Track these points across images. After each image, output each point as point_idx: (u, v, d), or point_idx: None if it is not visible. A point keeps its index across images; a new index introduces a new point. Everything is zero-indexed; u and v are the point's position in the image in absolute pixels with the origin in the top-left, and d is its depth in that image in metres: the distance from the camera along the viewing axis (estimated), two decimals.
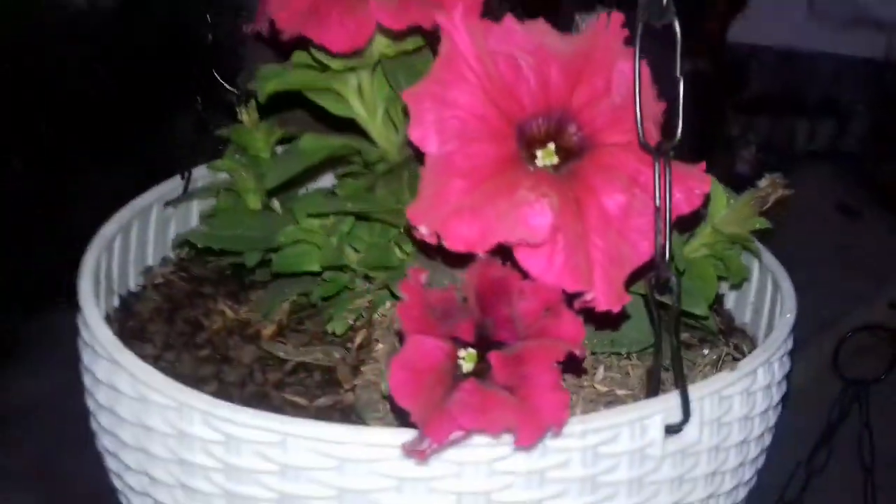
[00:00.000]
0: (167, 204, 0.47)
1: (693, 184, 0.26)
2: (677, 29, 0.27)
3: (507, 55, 0.25)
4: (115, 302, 0.45)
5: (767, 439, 0.34)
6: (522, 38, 0.27)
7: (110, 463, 0.33)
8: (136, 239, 0.47)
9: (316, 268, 0.35)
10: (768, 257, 0.43)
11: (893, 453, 2.92)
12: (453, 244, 0.25)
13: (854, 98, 6.22)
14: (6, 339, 2.59)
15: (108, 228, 0.43)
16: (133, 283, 0.45)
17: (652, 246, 0.24)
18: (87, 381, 0.32)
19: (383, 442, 0.25)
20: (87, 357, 0.31)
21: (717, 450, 0.28)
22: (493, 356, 0.25)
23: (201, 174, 0.46)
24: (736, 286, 0.40)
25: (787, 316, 0.42)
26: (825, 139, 6.51)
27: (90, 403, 0.31)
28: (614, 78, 0.24)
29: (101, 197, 3.32)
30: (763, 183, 0.36)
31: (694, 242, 0.35)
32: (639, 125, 0.25)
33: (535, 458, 0.24)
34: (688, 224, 0.36)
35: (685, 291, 0.33)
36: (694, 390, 0.27)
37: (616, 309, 0.25)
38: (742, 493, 0.34)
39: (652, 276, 0.25)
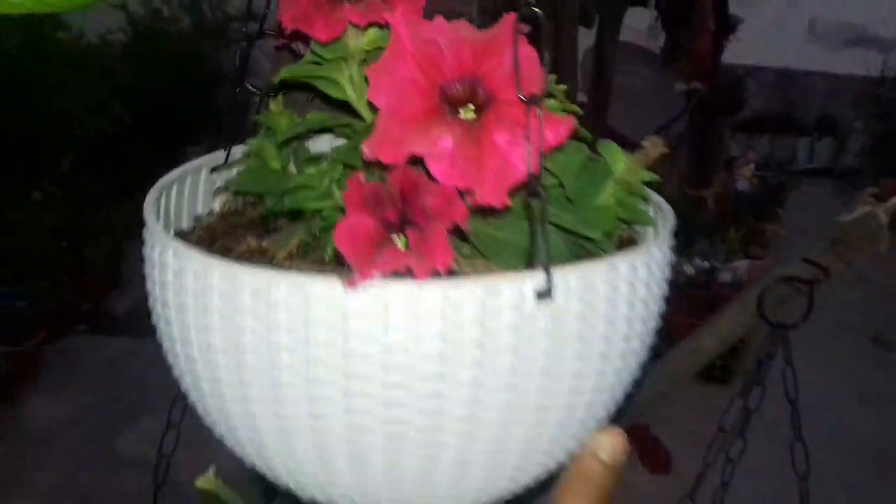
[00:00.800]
0: (213, 170, 0.58)
1: (559, 126, 0.37)
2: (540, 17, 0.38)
3: (433, 40, 0.37)
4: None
5: (636, 330, 0.41)
6: (446, 29, 0.39)
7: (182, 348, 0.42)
8: (188, 191, 0.58)
9: (314, 204, 0.46)
10: (656, 197, 0.53)
11: (812, 386, 2.98)
12: (383, 158, 0.37)
13: (852, 115, 6.31)
14: (30, 363, 2.68)
15: (168, 177, 0.54)
16: (185, 225, 0.57)
17: (525, 167, 0.35)
18: (156, 273, 0.40)
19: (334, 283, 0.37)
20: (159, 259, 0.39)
21: (583, 319, 0.36)
22: (409, 231, 0.38)
23: (239, 149, 0.57)
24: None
25: (648, 230, 0.52)
26: (825, 156, 6.61)
27: (162, 300, 0.39)
28: (507, 55, 0.35)
29: (118, 228, 3.41)
30: (646, 143, 0.46)
31: (604, 192, 0.45)
32: (517, 86, 0.36)
33: (441, 300, 0.34)
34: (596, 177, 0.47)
35: (586, 224, 0.43)
36: (563, 272, 0.36)
37: (498, 205, 0.36)
38: (611, 380, 0.40)
39: (527, 188, 0.36)
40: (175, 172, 0.57)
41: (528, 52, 0.39)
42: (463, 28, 0.41)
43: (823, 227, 3.96)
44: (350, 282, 0.37)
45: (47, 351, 2.83)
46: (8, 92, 3.23)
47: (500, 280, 0.38)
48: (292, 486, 0.46)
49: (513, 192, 0.38)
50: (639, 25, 3.49)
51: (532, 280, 0.37)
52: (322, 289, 0.37)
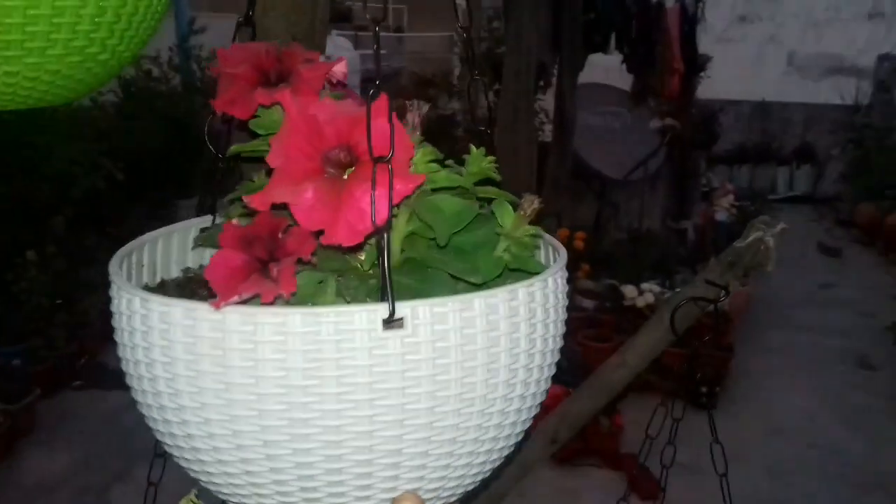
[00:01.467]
0: (202, 231, 0.67)
1: (408, 181, 0.46)
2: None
3: (314, 116, 0.46)
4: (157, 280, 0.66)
5: (500, 359, 0.48)
6: (328, 107, 0.48)
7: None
8: (177, 246, 0.67)
9: None
10: (552, 240, 0.61)
11: (810, 408, 3.01)
12: (253, 206, 0.46)
13: (829, 143, 6.46)
14: (27, 419, 2.74)
15: (152, 234, 0.64)
16: (174, 273, 0.66)
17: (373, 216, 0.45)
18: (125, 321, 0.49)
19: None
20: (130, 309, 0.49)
21: (433, 347, 0.43)
22: (271, 265, 0.47)
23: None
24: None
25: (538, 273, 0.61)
26: (804, 184, 6.74)
27: (131, 342, 0.48)
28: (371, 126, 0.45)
29: (110, 284, 3.47)
30: (523, 200, 0.54)
31: (499, 246, 0.53)
32: (370, 149, 0.45)
33: (301, 323, 0.45)
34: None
35: (470, 270, 0.51)
36: (413, 303, 0.45)
37: (346, 243, 0.45)
38: (479, 408, 0.49)
39: (377, 236, 0.46)
40: (165, 229, 0.67)
41: (382, 123, 0.48)
42: (346, 105, 0.50)
43: (805, 252, 4.04)
44: (215, 304, 0.45)
45: (44, 407, 2.88)
46: (3, 156, 3.34)
47: (354, 309, 0.46)
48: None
49: (369, 237, 0.47)
50: (609, 65, 3.63)
51: (382, 310, 0.45)
52: (200, 311, 0.46)
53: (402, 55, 8.08)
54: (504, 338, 0.49)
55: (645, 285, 3.37)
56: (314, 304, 0.51)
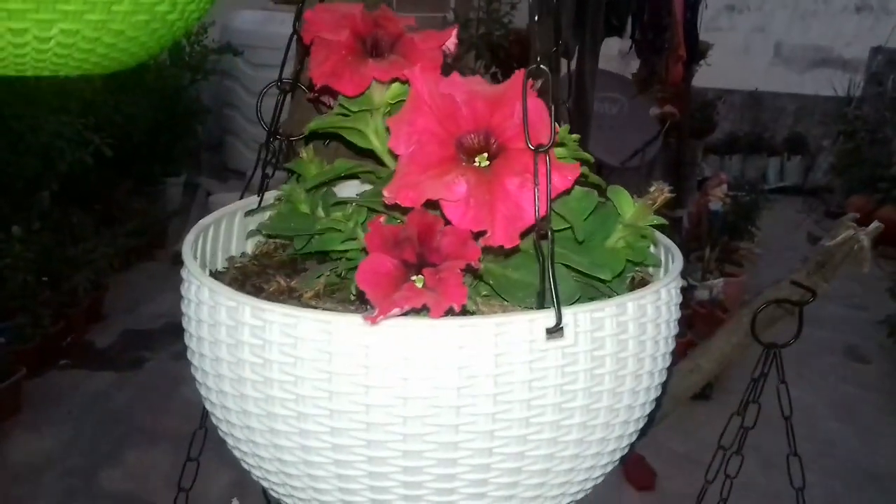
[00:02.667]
0: (247, 213, 0.61)
1: (566, 172, 0.40)
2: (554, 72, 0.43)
3: (449, 95, 0.40)
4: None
5: (646, 368, 0.43)
6: (461, 84, 0.43)
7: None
8: (224, 233, 0.60)
9: (340, 246, 0.48)
10: (665, 240, 0.57)
11: (804, 401, 3.03)
12: (402, 202, 0.40)
13: (820, 134, 6.46)
14: (13, 399, 2.66)
15: (205, 220, 0.57)
16: (220, 265, 0.59)
17: (534, 211, 0.39)
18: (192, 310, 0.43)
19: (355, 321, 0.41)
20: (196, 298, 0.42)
21: (593, 357, 0.38)
22: (426, 271, 0.41)
23: (272, 195, 0.61)
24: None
25: (659, 272, 0.56)
26: (795, 175, 6.75)
27: (195, 334, 0.42)
28: (517, 108, 0.38)
29: (100, 261, 3.39)
30: (651, 189, 0.49)
31: (614, 235, 0.48)
32: (526, 135, 0.39)
33: (456, 330, 0.38)
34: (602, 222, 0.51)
35: (597, 265, 0.46)
36: (572, 309, 0.39)
37: (508, 245, 0.39)
38: (623, 417, 0.43)
39: (537, 229, 0.40)
40: (211, 216, 0.61)
41: (536, 104, 0.42)
42: (477, 83, 0.44)
43: (795, 242, 4.05)
44: (372, 318, 0.40)
45: (30, 386, 2.81)
46: None
47: (512, 318, 0.41)
48: None
49: (523, 235, 0.42)
50: (611, 52, 3.57)
51: (543, 318, 0.41)
52: (344, 325, 0.41)
53: None
54: (633, 342, 0.45)
55: None
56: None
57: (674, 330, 0.50)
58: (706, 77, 4.76)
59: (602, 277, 0.46)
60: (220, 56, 4.93)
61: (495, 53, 3.87)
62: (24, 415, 2.72)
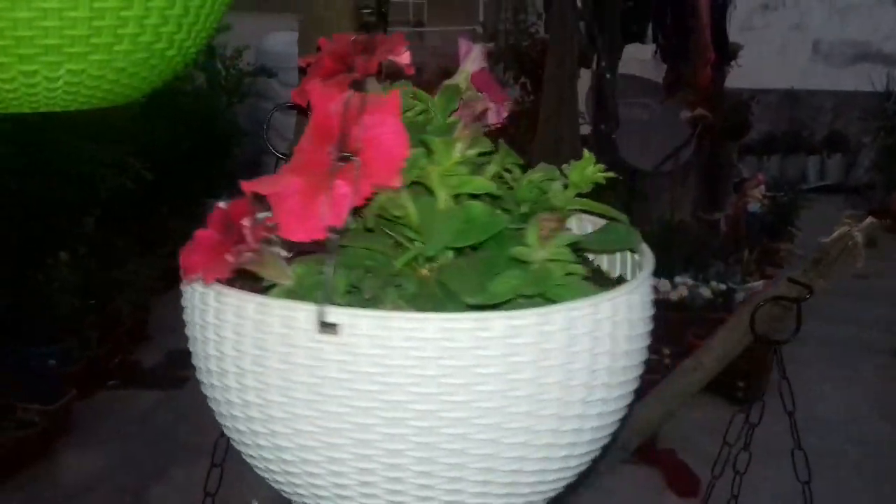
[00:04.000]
0: None
1: (372, 182, 0.44)
2: None
3: (329, 108, 0.45)
4: None
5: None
6: (341, 100, 0.46)
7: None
8: None
9: None
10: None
11: (852, 403, 2.96)
12: (246, 189, 0.46)
13: (860, 131, 6.34)
14: (63, 419, 2.74)
15: None
16: None
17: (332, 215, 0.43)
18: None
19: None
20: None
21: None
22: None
23: None
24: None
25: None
26: (836, 173, 6.63)
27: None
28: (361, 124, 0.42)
29: (143, 283, 3.46)
30: (541, 220, 0.50)
31: (514, 270, 0.50)
32: (344, 145, 0.43)
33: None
34: None
35: (470, 288, 0.49)
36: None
37: (295, 239, 0.44)
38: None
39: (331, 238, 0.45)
40: None
41: (368, 119, 0.45)
42: (372, 98, 0.47)
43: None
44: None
45: (79, 407, 2.89)
46: (32, 157, 3.35)
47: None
48: None
49: (320, 232, 0.45)
50: (642, 56, 3.57)
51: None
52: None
53: (424, 50, 8.05)
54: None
55: (678, 279, 3.33)
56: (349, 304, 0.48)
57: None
58: (740, 77, 4.71)
59: (469, 301, 0.47)
60: (255, 78, 5.04)
61: (522, 64, 3.91)
62: (74, 435, 2.80)
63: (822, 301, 3.28)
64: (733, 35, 4.33)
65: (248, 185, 0.46)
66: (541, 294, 0.48)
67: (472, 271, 0.48)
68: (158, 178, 3.94)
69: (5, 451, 2.54)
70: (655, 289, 2.70)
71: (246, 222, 0.46)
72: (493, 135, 0.59)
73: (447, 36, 8.36)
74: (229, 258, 0.46)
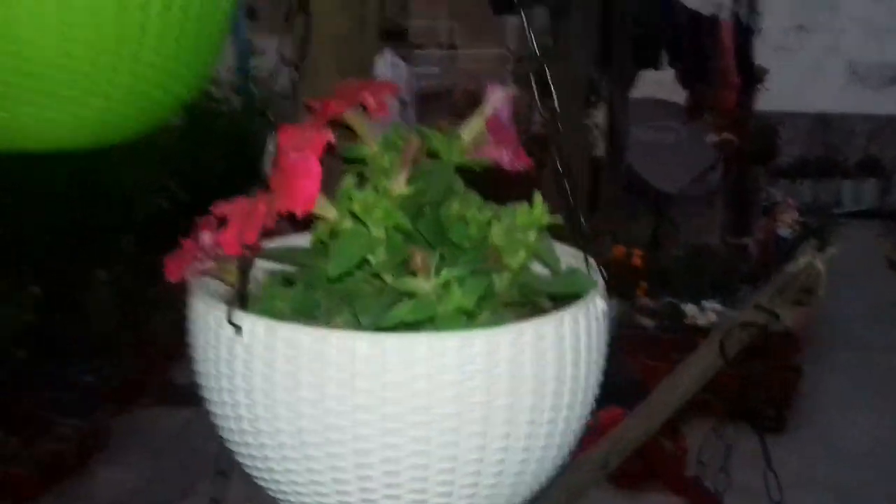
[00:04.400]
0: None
1: (257, 222, 0.54)
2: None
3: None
4: None
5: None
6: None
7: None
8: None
9: None
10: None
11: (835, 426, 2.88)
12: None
13: (895, 155, 6.27)
14: (99, 435, 2.82)
15: None
16: None
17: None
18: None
19: None
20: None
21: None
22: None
23: None
24: None
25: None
26: (871, 197, 6.55)
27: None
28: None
29: (178, 302, 3.56)
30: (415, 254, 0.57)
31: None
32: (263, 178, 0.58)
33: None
34: None
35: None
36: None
37: (226, 251, 0.57)
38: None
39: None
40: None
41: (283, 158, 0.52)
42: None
43: (871, 267, 3.93)
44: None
45: (115, 423, 2.96)
46: (72, 180, 3.47)
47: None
48: None
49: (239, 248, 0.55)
50: (663, 79, 3.61)
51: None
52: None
53: (455, 72, 8.13)
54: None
55: (707, 304, 3.32)
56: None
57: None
58: (770, 100, 4.70)
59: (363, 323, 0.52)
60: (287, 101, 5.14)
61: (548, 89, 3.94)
62: (110, 451, 2.87)
63: (856, 328, 3.24)
64: (766, 56, 4.33)
65: (215, 208, 0.59)
66: (430, 321, 0.54)
67: (375, 298, 0.55)
68: (193, 198, 4.05)
69: (43, 464, 2.62)
70: (683, 313, 2.68)
71: (205, 236, 0.54)
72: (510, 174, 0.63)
73: (479, 58, 8.45)
74: (197, 265, 0.54)
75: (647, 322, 3.36)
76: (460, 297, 0.53)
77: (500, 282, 0.57)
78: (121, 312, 3.22)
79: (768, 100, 4.63)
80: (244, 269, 0.52)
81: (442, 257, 0.54)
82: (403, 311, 0.52)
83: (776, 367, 3.08)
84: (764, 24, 6.49)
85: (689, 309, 3.28)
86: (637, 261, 3.48)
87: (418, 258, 0.53)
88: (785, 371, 3.11)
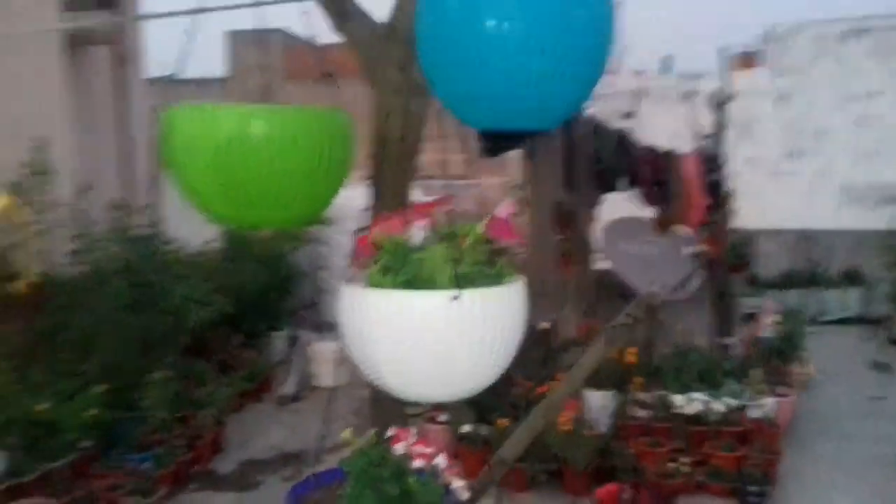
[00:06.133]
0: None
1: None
2: None
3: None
4: None
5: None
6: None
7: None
8: None
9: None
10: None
11: None
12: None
13: (876, 266, 6.68)
14: None
15: None
16: None
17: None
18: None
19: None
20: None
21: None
22: None
23: None
24: None
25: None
26: (856, 305, 6.95)
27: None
28: None
29: (219, 403, 3.99)
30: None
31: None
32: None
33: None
34: None
35: None
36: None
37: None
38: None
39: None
40: None
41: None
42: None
43: (853, 367, 4.32)
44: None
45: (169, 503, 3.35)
46: (132, 295, 3.97)
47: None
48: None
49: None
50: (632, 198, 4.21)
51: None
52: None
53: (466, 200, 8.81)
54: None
55: (693, 394, 3.70)
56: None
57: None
58: (756, 218, 5.41)
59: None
60: (315, 226, 5.71)
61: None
62: None
63: (837, 420, 3.58)
64: (762, 181, 4.90)
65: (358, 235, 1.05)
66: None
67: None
68: (232, 312, 4.55)
69: None
70: (672, 403, 3.15)
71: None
72: None
73: (488, 187, 9.22)
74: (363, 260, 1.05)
75: (642, 413, 3.74)
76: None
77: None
78: (172, 409, 3.66)
79: (762, 218, 5.28)
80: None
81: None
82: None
83: (760, 450, 3.43)
84: (758, 150, 7.12)
85: (678, 399, 3.67)
86: (631, 358, 3.89)
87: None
88: (765, 453, 3.47)
